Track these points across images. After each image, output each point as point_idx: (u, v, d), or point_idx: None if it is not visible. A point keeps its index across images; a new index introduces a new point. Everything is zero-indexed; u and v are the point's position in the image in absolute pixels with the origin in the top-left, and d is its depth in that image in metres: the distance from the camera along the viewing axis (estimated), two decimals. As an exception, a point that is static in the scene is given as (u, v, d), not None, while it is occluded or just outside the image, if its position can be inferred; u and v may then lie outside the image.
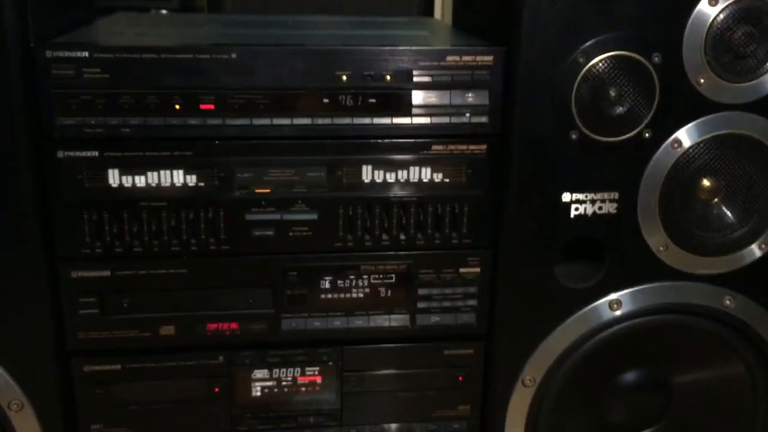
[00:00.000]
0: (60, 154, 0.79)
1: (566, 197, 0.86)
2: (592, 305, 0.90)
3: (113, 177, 0.81)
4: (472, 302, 0.91)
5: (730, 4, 0.81)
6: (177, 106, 0.80)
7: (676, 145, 0.85)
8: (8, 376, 0.84)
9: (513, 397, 0.93)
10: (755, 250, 0.89)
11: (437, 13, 1.58)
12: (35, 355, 0.85)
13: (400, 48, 0.81)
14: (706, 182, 0.87)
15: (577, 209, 0.86)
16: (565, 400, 0.93)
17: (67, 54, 0.77)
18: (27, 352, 0.85)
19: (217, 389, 0.91)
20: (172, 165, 0.82)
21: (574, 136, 0.83)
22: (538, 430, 0.94)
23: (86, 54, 0.77)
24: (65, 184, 0.80)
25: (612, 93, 0.82)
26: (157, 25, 1.00)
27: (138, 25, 0.99)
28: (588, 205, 0.86)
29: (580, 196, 0.86)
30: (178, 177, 0.82)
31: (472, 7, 1.02)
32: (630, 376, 0.96)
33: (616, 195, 0.86)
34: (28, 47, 0.76)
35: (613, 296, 0.90)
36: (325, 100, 0.82)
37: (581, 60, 0.81)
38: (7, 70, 0.75)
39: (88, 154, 0.80)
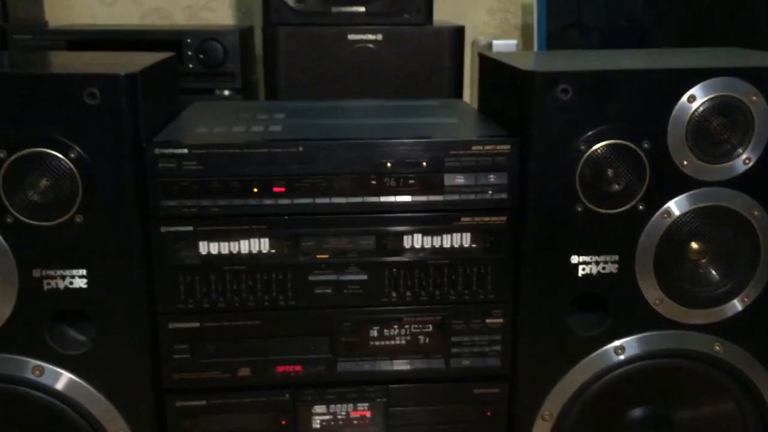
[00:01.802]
0: (163, 229, 0.97)
1: (574, 259, 1.00)
2: (600, 350, 1.03)
3: (203, 247, 0.98)
4: (497, 348, 1.04)
5: (706, 101, 0.95)
6: (255, 189, 0.97)
7: (666, 215, 0.99)
8: (116, 410, 0.99)
9: (534, 430, 1.05)
10: (737, 304, 1.02)
11: (466, 95, 1.76)
12: (137, 392, 1.00)
13: (434, 140, 0.99)
14: (694, 245, 1.00)
15: (583, 269, 1.00)
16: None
17: (171, 151, 0.96)
18: (130, 389, 1.00)
19: (284, 422, 1.05)
20: (249, 236, 0.98)
21: (579, 209, 0.98)
22: None
23: (185, 151, 0.95)
24: (166, 252, 0.98)
25: (610, 173, 0.95)
26: (232, 117, 1.19)
27: (217, 117, 1.18)
28: (593, 266, 1.00)
29: (586, 258, 1.00)
30: (255, 245, 0.99)
31: (493, 100, 1.19)
32: (636, 412, 1.07)
33: (616, 257, 1.00)
34: (140, 146, 0.95)
35: (617, 343, 1.02)
36: (373, 182, 0.98)
37: (583, 147, 0.95)
38: (123, 165, 0.94)
39: (185, 228, 0.98)
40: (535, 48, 2.02)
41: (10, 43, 1.65)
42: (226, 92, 1.75)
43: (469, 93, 1.82)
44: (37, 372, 0.98)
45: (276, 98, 1.73)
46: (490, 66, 1.19)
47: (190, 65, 1.69)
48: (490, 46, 2.03)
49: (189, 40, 1.66)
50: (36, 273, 0.95)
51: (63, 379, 0.98)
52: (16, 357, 0.98)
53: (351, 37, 1.65)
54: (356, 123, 1.16)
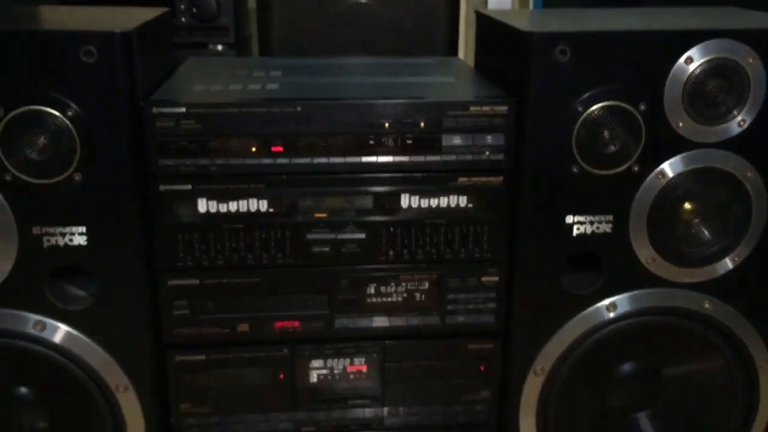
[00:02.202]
0: (161, 187, 0.98)
1: (569, 219, 1.01)
2: (593, 307, 1.05)
3: (202, 205, 0.99)
4: (492, 305, 1.06)
5: (703, 62, 0.96)
6: (253, 149, 0.98)
7: (660, 176, 1.00)
8: (116, 363, 1.01)
9: (526, 384, 1.08)
10: (728, 263, 1.04)
11: (461, 52, 1.75)
12: (137, 346, 1.02)
13: (431, 101, 0.99)
14: (687, 205, 1.02)
15: (578, 229, 1.02)
16: (570, 386, 1.07)
17: (168, 110, 0.96)
18: (132, 344, 1.02)
19: (282, 376, 1.08)
20: (248, 195, 0.99)
21: (575, 170, 0.99)
22: (547, 411, 1.09)
23: (183, 110, 0.95)
24: (165, 211, 0.99)
25: (606, 135, 0.96)
26: (228, 73, 1.18)
27: (213, 74, 1.18)
28: (587, 226, 1.02)
29: (581, 218, 1.01)
30: (253, 204, 1.00)
31: (490, 59, 1.19)
32: (626, 367, 1.10)
33: (610, 217, 1.01)
34: (137, 105, 0.95)
35: (609, 300, 1.05)
36: (371, 142, 0.99)
37: (580, 109, 0.96)
38: (121, 123, 0.94)
39: (183, 187, 0.98)
40: (531, 6, 2.00)
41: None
42: (219, 47, 1.74)
43: (464, 50, 1.81)
44: (39, 327, 0.99)
45: (270, 54, 1.72)
46: (487, 24, 1.18)
47: (183, 19, 1.68)
48: (485, 2, 2.01)
49: (182, -6, 1.65)
50: (36, 230, 0.96)
51: (64, 333, 1.00)
52: (18, 312, 0.99)
53: (347, -8, 1.64)
54: (353, 82, 1.16)
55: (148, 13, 1.08)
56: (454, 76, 1.20)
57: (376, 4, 1.65)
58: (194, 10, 1.64)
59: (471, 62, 1.34)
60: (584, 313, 1.06)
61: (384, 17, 1.65)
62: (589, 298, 1.06)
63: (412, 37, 1.69)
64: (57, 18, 1.08)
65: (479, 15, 1.23)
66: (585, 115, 0.96)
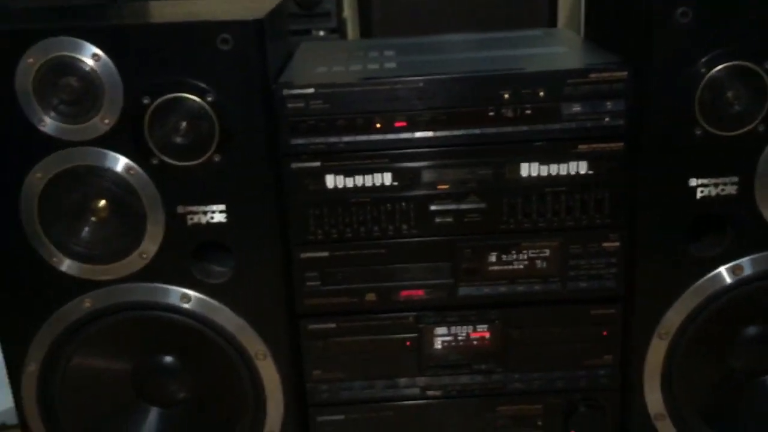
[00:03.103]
0: (293, 165, 1.04)
1: (693, 182, 1.01)
2: (717, 270, 1.05)
3: (330, 181, 1.04)
4: (614, 270, 1.07)
5: None
6: (378, 125, 1.02)
7: None
8: (255, 332, 1.08)
9: (650, 348, 1.08)
10: None
11: (560, 23, 1.74)
12: (274, 316, 1.08)
13: (552, 70, 1.01)
14: None
15: (702, 191, 1.02)
16: (695, 349, 1.08)
17: (298, 91, 1.01)
18: (268, 314, 1.08)
19: (408, 343, 1.12)
20: (374, 170, 1.04)
21: (698, 132, 0.99)
22: (671, 375, 1.09)
23: (312, 90, 1.00)
24: (296, 187, 1.04)
25: (730, 95, 0.96)
26: (344, 56, 1.23)
27: (329, 57, 1.23)
28: (711, 188, 1.02)
29: (705, 181, 1.01)
30: (379, 179, 1.04)
31: (603, 23, 1.19)
32: (751, 330, 1.10)
33: (735, 179, 1.01)
34: (269, 88, 1.01)
35: (734, 263, 1.05)
36: (491, 114, 1.02)
37: (703, 70, 0.96)
38: (255, 106, 1.00)
39: (313, 164, 1.04)
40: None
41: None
42: (321, 32, 1.79)
43: (563, 23, 1.80)
44: (185, 299, 1.07)
45: (370, 35, 1.76)
46: (600, -8, 1.19)
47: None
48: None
49: (286, -18, 1.70)
50: (180, 209, 1.03)
51: (208, 305, 1.07)
52: (166, 286, 1.07)
53: (445, -31, 1.66)
54: (467, 57, 1.18)
55: (272, 2, 1.14)
56: (566, 46, 1.21)
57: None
58: (299, -3, 1.70)
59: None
60: (709, 275, 1.06)
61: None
62: (714, 261, 1.05)
63: (511, 10, 1.70)
64: (192, 10, 1.14)
65: (589, -17, 1.23)
66: (708, 76, 0.96)
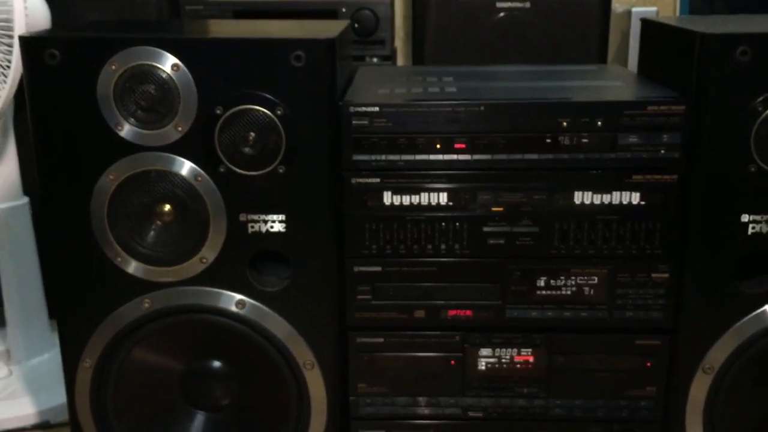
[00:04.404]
0: (353, 180, 1.07)
1: (744, 218, 1.03)
2: (765, 307, 1.07)
3: (388, 197, 1.07)
4: (661, 301, 1.08)
5: None
6: (438, 146, 1.05)
7: None
8: (305, 342, 1.10)
9: (694, 382, 1.09)
10: None
11: (609, 59, 1.78)
12: (324, 327, 1.10)
13: (610, 100, 1.04)
14: None
15: (753, 228, 1.03)
16: (740, 386, 1.08)
17: (364, 109, 1.05)
18: (319, 325, 1.10)
19: (453, 362, 1.14)
20: (430, 189, 1.07)
21: (752, 169, 1.01)
22: (714, 410, 1.09)
23: (377, 109, 1.04)
24: (355, 202, 1.07)
25: None
26: (404, 79, 1.27)
27: (389, 79, 1.27)
28: (763, 225, 1.03)
29: (757, 217, 1.03)
30: (435, 198, 1.07)
31: (658, 60, 1.22)
32: (799, 369, 1.11)
33: (787, 216, 1.03)
34: (336, 105, 1.05)
35: (784, 301, 1.06)
36: (548, 140, 1.04)
37: (760, 108, 0.99)
38: (321, 121, 1.03)
39: (373, 180, 1.07)
40: (677, 13, 2.00)
41: (183, 13, 1.79)
42: (375, 59, 1.84)
43: (610, 59, 1.83)
44: (240, 305, 1.10)
45: (422, 64, 1.81)
46: (657, 31, 1.22)
47: (343, 33, 1.79)
48: (628, 13, 2.03)
49: (344, 9, 1.76)
50: (242, 217, 1.07)
51: (262, 312, 1.10)
52: (224, 291, 1.10)
53: (499, 4, 1.70)
54: (524, 86, 1.22)
55: (338, 25, 1.18)
56: (620, 80, 1.24)
57: (528, 15, 1.70)
58: (356, 25, 1.75)
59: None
60: (757, 312, 1.06)
61: (536, 27, 1.70)
62: (762, 297, 1.06)
63: (563, 46, 1.73)
64: (265, 29, 1.19)
65: (646, 22, 1.27)
66: (765, 114, 0.98)
